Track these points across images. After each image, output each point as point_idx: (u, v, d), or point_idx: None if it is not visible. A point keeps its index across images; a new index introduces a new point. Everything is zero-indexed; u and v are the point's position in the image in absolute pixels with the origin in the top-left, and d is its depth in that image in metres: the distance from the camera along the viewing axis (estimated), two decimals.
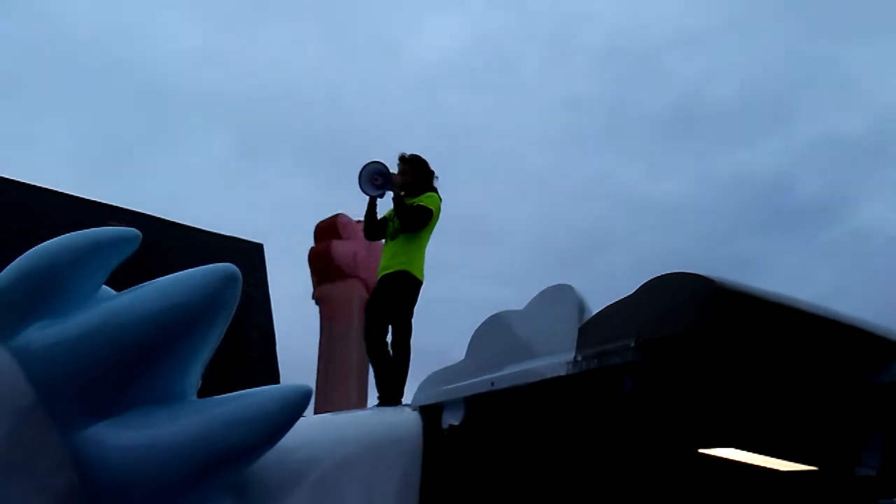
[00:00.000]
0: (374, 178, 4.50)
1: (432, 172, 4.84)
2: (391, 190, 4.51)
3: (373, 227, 4.75)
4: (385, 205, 4.80)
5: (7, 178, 12.23)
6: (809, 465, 2.91)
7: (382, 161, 4.54)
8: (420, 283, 4.60)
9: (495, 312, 2.73)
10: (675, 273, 1.85)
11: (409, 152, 4.85)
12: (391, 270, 4.55)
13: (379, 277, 4.63)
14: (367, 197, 4.59)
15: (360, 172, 4.47)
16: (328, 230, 6.83)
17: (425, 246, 4.70)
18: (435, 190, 4.81)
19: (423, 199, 4.67)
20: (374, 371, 4.43)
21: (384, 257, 4.66)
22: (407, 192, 4.66)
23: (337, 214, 6.90)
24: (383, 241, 4.79)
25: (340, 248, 6.61)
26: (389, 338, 4.50)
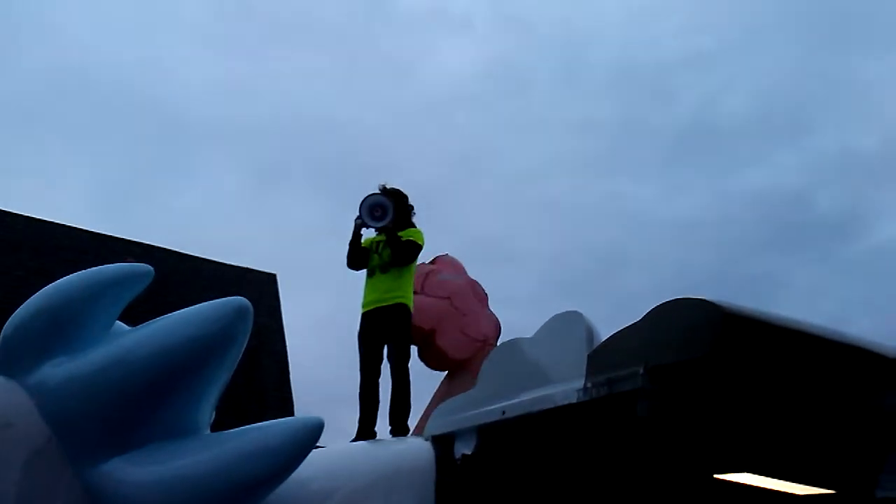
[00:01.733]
0: (374, 210, 4.57)
1: (411, 207, 4.94)
2: (389, 223, 4.57)
3: (357, 256, 4.80)
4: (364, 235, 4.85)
5: (22, 215, 12.38)
6: (827, 488, 2.88)
7: (381, 193, 4.61)
8: (411, 314, 4.69)
9: (506, 340, 2.73)
10: (682, 298, 1.86)
11: (389, 185, 4.90)
12: (387, 304, 4.60)
13: (370, 310, 4.65)
14: (354, 224, 4.65)
15: (362, 203, 4.54)
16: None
17: (413, 280, 4.80)
18: (414, 225, 4.91)
19: (412, 234, 4.77)
20: (365, 405, 4.44)
21: (374, 290, 4.70)
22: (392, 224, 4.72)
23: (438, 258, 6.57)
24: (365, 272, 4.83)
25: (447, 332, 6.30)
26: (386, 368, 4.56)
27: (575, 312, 2.36)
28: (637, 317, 2.02)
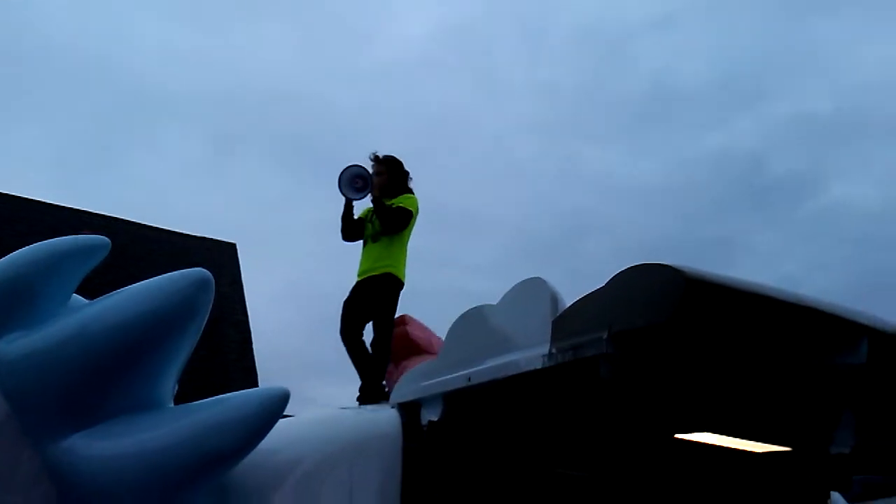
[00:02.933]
0: (354, 181, 4.50)
1: (407, 173, 4.87)
2: (371, 193, 4.52)
3: (350, 228, 4.75)
4: (360, 205, 4.80)
5: None
6: (784, 446, 2.96)
7: (362, 164, 4.54)
8: (402, 284, 4.66)
9: (470, 307, 2.74)
10: (645, 264, 1.87)
11: (382, 153, 4.84)
12: (376, 273, 4.58)
13: (362, 279, 4.63)
14: (344, 198, 4.59)
15: (340, 176, 4.46)
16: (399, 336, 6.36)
17: (406, 247, 4.74)
18: (410, 190, 4.83)
19: (402, 201, 4.69)
20: (356, 368, 4.44)
21: (366, 259, 4.67)
22: (383, 193, 4.67)
23: (402, 315, 6.53)
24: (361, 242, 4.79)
25: (417, 330, 6.27)
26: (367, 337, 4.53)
27: (539, 279, 2.36)
28: (600, 283, 2.03)
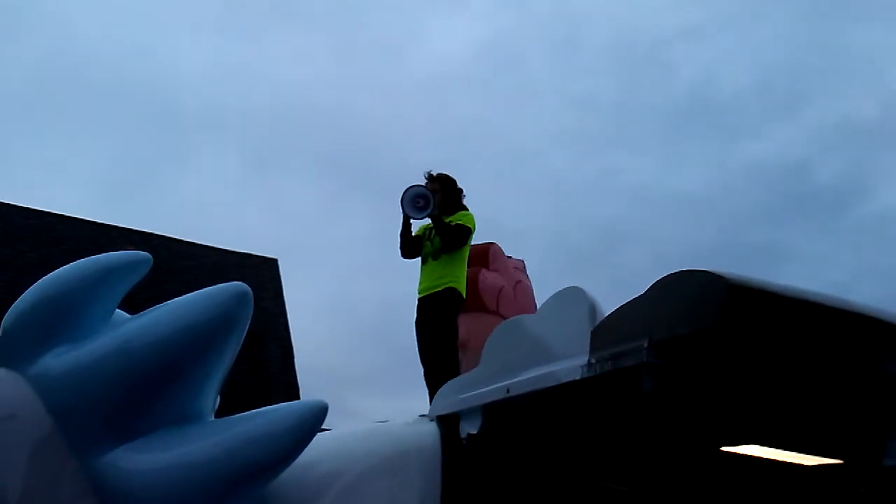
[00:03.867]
0: (416, 200, 4.59)
1: (461, 190, 4.92)
2: (432, 212, 4.58)
3: (409, 245, 4.80)
4: (416, 223, 4.85)
5: (22, 206, 12.37)
6: (835, 458, 2.87)
7: (423, 185, 4.63)
8: (463, 299, 4.69)
9: (508, 319, 2.72)
10: (687, 271, 1.83)
11: (435, 171, 4.89)
12: (440, 289, 4.60)
13: (424, 296, 4.66)
14: (402, 215, 4.64)
15: (403, 195, 4.56)
16: (478, 257, 5.99)
17: (466, 263, 4.78)
18: (465, 207, 4.88)
19: (460, 218, 4.74)
20: (431, 387, 4.44)
21: (428, 277, 4.71)
22: (440, 211, 4.72)
23: (490, 243, 6.29)
24: (420, 259, 4.83)
25: (490, 279, 5.98)
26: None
27: (577, 288, 2.33)
28: (639, 292, 1.99)
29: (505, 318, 5.94)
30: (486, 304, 5.96)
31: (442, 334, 4.53)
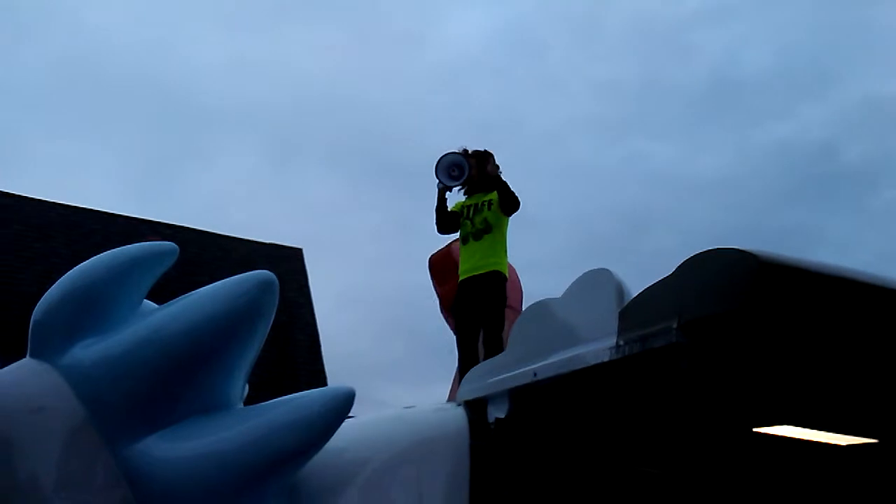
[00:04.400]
0: (451, 168, 4.51)
1: (497, 166, 4.84)
2: (469, 180, 4.52)
3: (446, 220, 4.74)
4: (452, 200, 4.83)
5: (53, 202, 12.53)
6: (870, 437, 2.82)
7: (458, 152, 4.56)
8: (506, 280, 4.64)
9: (534, 302, 2.69)
10: (716, 249, 1.79)
11: (471, 148, 4.85)
12: (484, 271, 4.55)
13: (466, 278, 4.61)
14: (437, 190, 4.61)
15: (438, 162, 4.48)
16: (443, 258, 6.21)
17: (507, 244, 4.74)
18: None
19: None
20: (464, 370, 4.43)
21: (470, 257, 4.64)
22: (477, 187, 4.67)
23: (452, 242, 6.57)
24: (457, 236, 4.80)
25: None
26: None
27: (604, 269, 2.30)
28: (666, 274, 1.96)
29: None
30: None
31: (489, 316, 4.47)
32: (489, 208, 4.65)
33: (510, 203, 4.53)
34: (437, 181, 4.53)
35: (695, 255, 1.85)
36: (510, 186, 4.53)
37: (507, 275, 4.61)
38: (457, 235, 4.85)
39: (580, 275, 2.44)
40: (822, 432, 2.73)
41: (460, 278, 4.65)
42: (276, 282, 2.43)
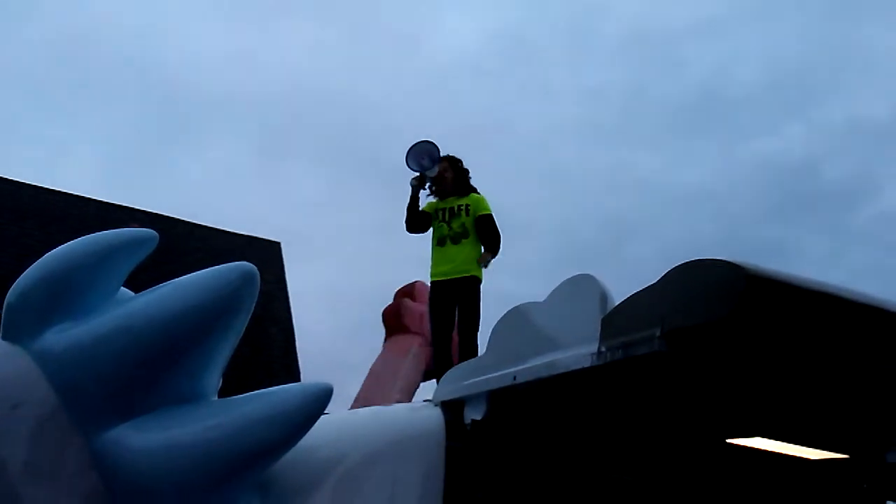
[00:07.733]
0: (421, 157, 4.52)
1: (467, 171, 4.91)
2: (431, 176, 4.54)
3: (416, 219, 4.76)
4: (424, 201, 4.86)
5: (28, 184, 12.35)
6: (841, 453, 2.85)
7: (434, 142, 4.57)
8: (481, 282, 4.74)
9: (516, 305, 2.69)
10: (702, 260, 1.80)
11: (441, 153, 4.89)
12: (462, 275, 4.59)
13: (442, 280, 4.64)
14: (411, 188, 4.61)
15: (411, 148, 4.48)
16: (404, 293, 6.56)
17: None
18: (475, 189, 4.88)
19: (478, 203, 4.74)
20: (441, 371, 4.45)
21: (447, 261, 4.69)
22: (450, 191, 4.69)
23: (416, 281, 6.76)
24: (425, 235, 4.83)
25: (413, 306, 6.47)
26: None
27: (588, 275, 2.30)
28: (645, 285, 1.96)
29: (427, 338, 6.15)
30: (408, 326, 6.20)
31: (466, 321, 4.52)
32: (466, 213, 4.68)
33: (494, 247, 4.63)
34: (412, 176, 4.56)
35: (680, 265, 1.85)
36: (495, 230, 4.69)
37: (481, 278, 4.67)
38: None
39: (563, 279, 2.44)
40: (794, 445, 2.75)
41: (436, 279, 4.67)
42: (258, 274, 2.40)
